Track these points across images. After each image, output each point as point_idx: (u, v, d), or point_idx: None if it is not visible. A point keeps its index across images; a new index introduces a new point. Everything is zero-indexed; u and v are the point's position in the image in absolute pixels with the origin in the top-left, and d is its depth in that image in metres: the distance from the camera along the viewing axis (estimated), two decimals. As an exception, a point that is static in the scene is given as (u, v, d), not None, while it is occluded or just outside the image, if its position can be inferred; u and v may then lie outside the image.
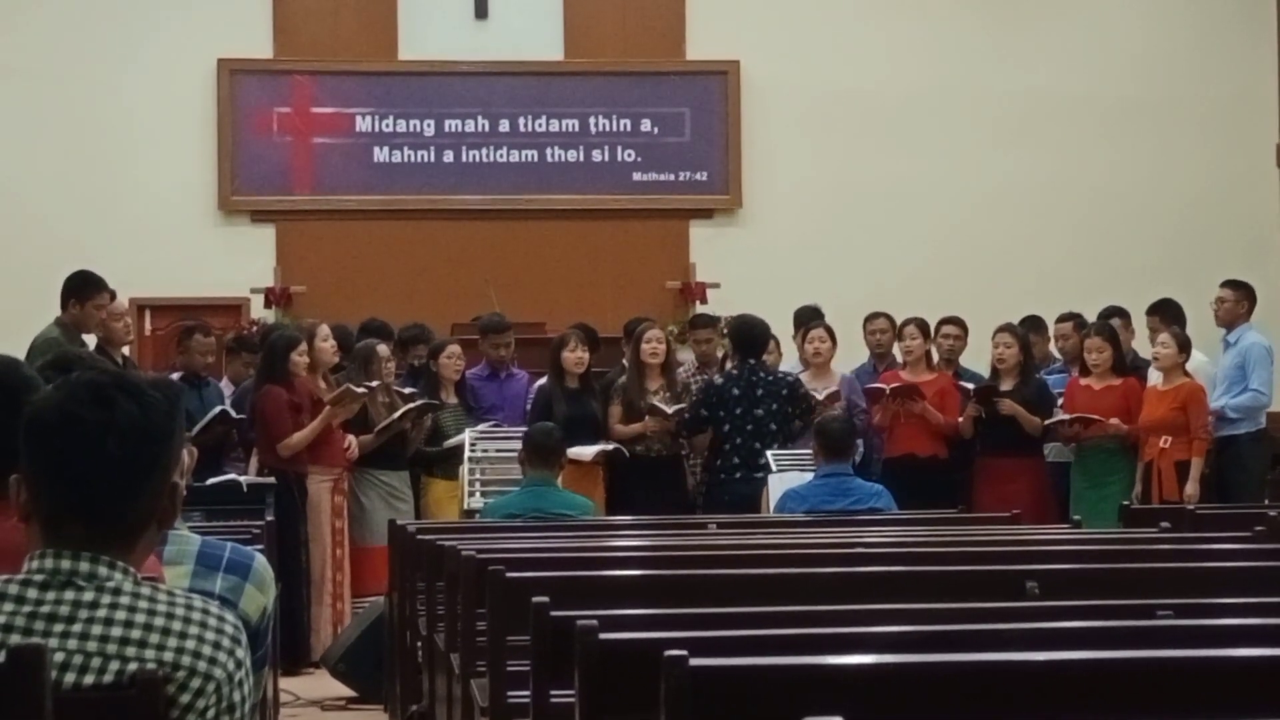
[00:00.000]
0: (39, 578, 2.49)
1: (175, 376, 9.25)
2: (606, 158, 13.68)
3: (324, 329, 9.71)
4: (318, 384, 9.43)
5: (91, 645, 2.46)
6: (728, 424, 9.41)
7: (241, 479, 8.91)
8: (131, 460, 2.51)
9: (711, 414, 9.47)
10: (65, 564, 2.49)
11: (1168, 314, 10.40)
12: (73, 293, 8.98)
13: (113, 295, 9.24)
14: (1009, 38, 13.80)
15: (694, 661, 2.57)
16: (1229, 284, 10.42)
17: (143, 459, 2.53)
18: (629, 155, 13.69)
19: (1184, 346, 9.62)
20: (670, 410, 9.53)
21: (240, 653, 2.56)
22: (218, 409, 9.37)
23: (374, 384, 9.44)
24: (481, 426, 9.61)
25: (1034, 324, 10.86)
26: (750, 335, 9.72)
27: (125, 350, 9.75)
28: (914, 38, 13.72)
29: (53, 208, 12.94)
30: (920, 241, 13.46)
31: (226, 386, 10.47)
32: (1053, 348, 11.01)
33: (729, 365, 10.03)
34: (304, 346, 9.29)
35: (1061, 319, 10.85)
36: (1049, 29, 13.86)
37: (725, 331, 10.55)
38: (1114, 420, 9.53)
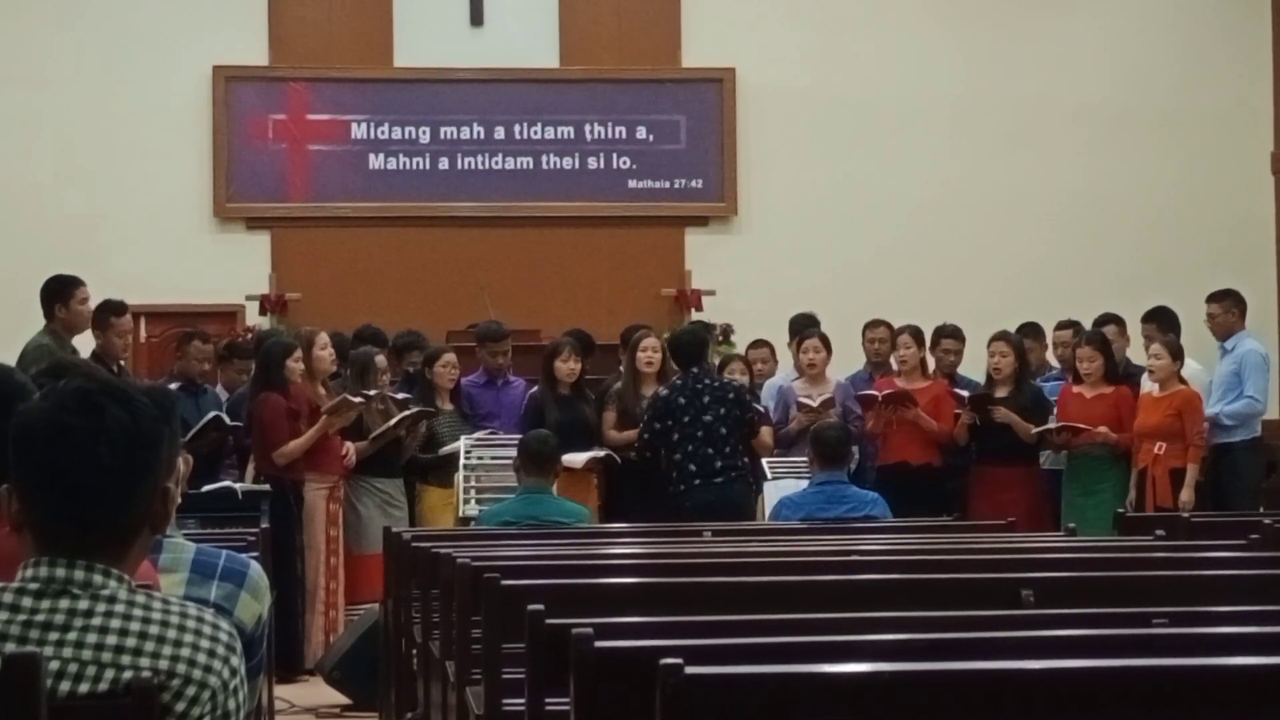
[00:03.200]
0: (34, 586, 2.48)
1: (174, 385, 9.24)
2: (602, 165, 13.68)
3: (323, 337, 9.69)
4: (317, 391, 9.42)
5: (87, 653, 2.45)
6: (677, 433, 9.29)
7: (237, 486, 8.91)
8: (123, 467, 2.51)
9: (662, 426, 9.40)
10: (60, 572, 2.49)
11: (1163, 322, 10.37)
12: (54, 297, 8.98)
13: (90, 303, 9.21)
14: (1007, 46, 13.81)
15: (689, 669, 2.57)
16: (1213, 298, 10.36)
17: (134, 465, 2.52)
18: (624, 163, 13.69)
19: (1176, 355, 9.60)
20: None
21: (235, 660, 2.55)
22: (211, 415, 9.37)
23: (371, 393, 9.43)
24: (477, 434, 9.61)
25: (1032, 331, 10.85)
26: (686, 346, 9.63)
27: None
28: (911, 46, 13.73)
29: (49, 214, 12.93)
30: (916, 249, 13.46)
31: (221, 393, 10.46)
32: (1050, 355, 10.99)
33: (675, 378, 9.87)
34: (299, 353, 9.29)
35: (1060, 326, 10.85)
36: (1046, 37, 13.87)
37: (669, 345, 10.24)
38: (1102, 429, 9.52)
